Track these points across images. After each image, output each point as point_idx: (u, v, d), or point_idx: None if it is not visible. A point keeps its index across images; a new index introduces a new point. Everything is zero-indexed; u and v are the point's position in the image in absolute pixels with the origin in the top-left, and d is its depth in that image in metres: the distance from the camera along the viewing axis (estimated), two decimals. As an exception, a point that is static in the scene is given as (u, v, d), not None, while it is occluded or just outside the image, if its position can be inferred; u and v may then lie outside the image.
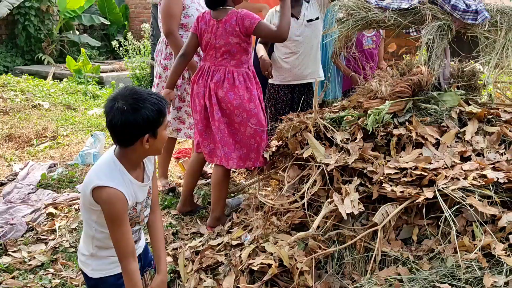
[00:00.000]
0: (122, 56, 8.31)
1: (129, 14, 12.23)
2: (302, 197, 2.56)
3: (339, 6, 2.89)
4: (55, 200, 3.59)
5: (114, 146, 1.83)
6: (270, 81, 3.62)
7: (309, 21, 3.48)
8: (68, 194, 3.67)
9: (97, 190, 1.70)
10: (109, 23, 11.44)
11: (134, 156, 1.80)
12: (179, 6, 3.38)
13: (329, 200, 2.41)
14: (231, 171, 3.96)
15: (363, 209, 2.33)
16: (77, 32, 10.93)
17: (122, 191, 1.71)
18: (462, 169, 2.29)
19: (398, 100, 2.60)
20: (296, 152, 2.74)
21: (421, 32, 2.82)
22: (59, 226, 3.24)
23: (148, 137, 1.74)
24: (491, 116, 2.60)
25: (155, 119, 1.73)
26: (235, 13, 2.86)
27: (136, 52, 8.10)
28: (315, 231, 2.34)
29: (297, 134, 2.76)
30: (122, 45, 8.15)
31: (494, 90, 2.76)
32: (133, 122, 1.69)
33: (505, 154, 2.39)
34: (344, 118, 2.73)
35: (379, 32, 4.12)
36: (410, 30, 2.98)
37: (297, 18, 3.45)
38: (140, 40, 8.56)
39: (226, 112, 2.95)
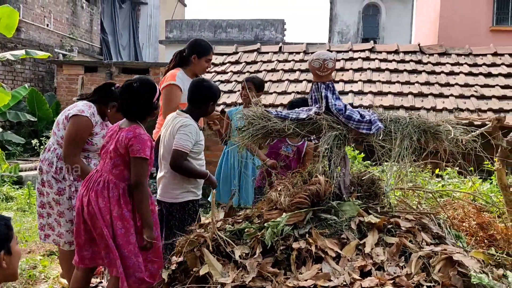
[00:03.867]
0: (46, 154, 7.97)
1: (59, 110, 12.03)
2: (199, 321, 2.32)
3: (240, 116, 2.89)
4: None
5: None
6: (188, 198, 3.24)
7: None
8: None
9: None
10: (36, 119, 11.13)
11: None
12: (88, 133, 3.18)
13: (224, 326, 2.19)
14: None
15: (261, 335, 2.12)
16: (1, 129, 10.50)
17: None
18: (361, 287, 2.18)
19: (297, 211, 2.52)
20: (194, 269, 2.54)
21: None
22: None
23: (3, 255, 1.63)
24: (391, 225, 2.56)
25: (6, 233, 1.66)
26: (135, 130, 2.69)
27: (61, 150, 7.81)
28: None
29: (195, 249, 2.58)
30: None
31: (390, 198, 2.76)
32: None
33: (405, 267, 2.32)
34: (246, 230, 2.60)
35: (302, 145, 4.08)
36: (312, 138, 3.01)
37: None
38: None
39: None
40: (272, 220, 2.45)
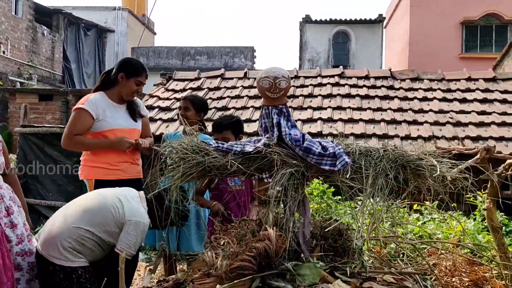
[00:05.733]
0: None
1: (12, 142, 11.17)
2: None
3: (169, 150, 2.24)
4: None
5: None
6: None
7: None
8: None
9: None
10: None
11: None
12: None
13: None
14: None
15: None
16: None
17: None
18: None
19: (239, 279, 1.87)
20: None
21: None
22: None
23: None
24: (364, 293, 1.94)
25: None
26: None
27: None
28: None
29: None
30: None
31: (363, 254, 2.15)
32: None
33: None
34: (171, 305, 1.93)
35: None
36: (264, 176, 2.39)
37: None
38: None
39: None
40: (201, 294, 1.79)
